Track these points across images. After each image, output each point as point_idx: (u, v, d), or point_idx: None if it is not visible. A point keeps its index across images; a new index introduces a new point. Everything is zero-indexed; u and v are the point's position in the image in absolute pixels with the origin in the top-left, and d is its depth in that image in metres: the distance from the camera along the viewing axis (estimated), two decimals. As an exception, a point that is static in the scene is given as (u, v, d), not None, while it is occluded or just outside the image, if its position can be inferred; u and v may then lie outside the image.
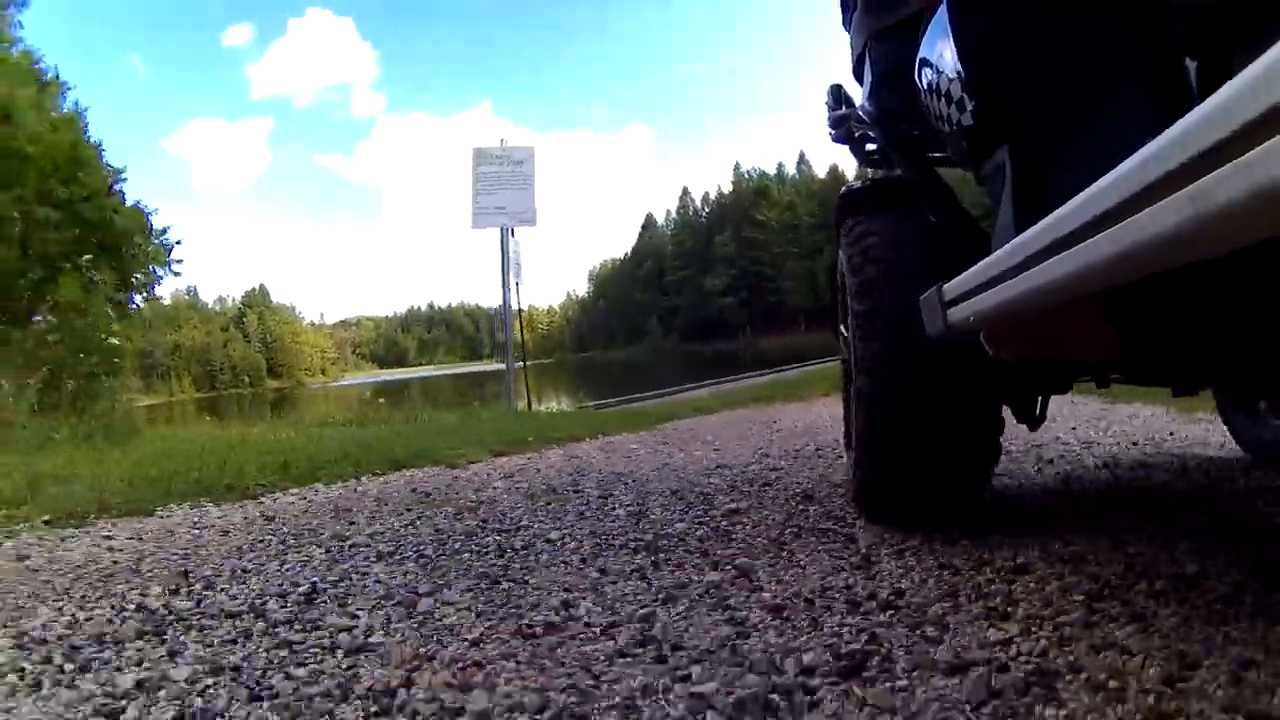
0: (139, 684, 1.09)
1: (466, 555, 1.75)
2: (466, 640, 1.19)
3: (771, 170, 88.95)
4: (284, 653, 1.20)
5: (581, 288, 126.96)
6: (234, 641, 1.26)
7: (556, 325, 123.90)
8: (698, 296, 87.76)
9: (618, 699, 0.94)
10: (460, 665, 1.10)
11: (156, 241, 6.39)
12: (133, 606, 1.48)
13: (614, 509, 2.15)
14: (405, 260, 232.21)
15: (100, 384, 5.03)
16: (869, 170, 2.16)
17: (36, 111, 5.33)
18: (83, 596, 1.57)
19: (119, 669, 1.16)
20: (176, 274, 6.59)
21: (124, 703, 1.03)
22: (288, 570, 1.70)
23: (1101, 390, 2.16)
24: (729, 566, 1.50)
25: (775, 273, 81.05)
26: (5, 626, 1.37)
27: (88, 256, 5.60)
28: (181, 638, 1.29)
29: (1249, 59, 0.42)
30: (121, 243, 5.94)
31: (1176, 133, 0.50)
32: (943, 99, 1.35)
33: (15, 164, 4.97)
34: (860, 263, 1.68)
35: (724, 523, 1.89)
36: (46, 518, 2.38)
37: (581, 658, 1.09)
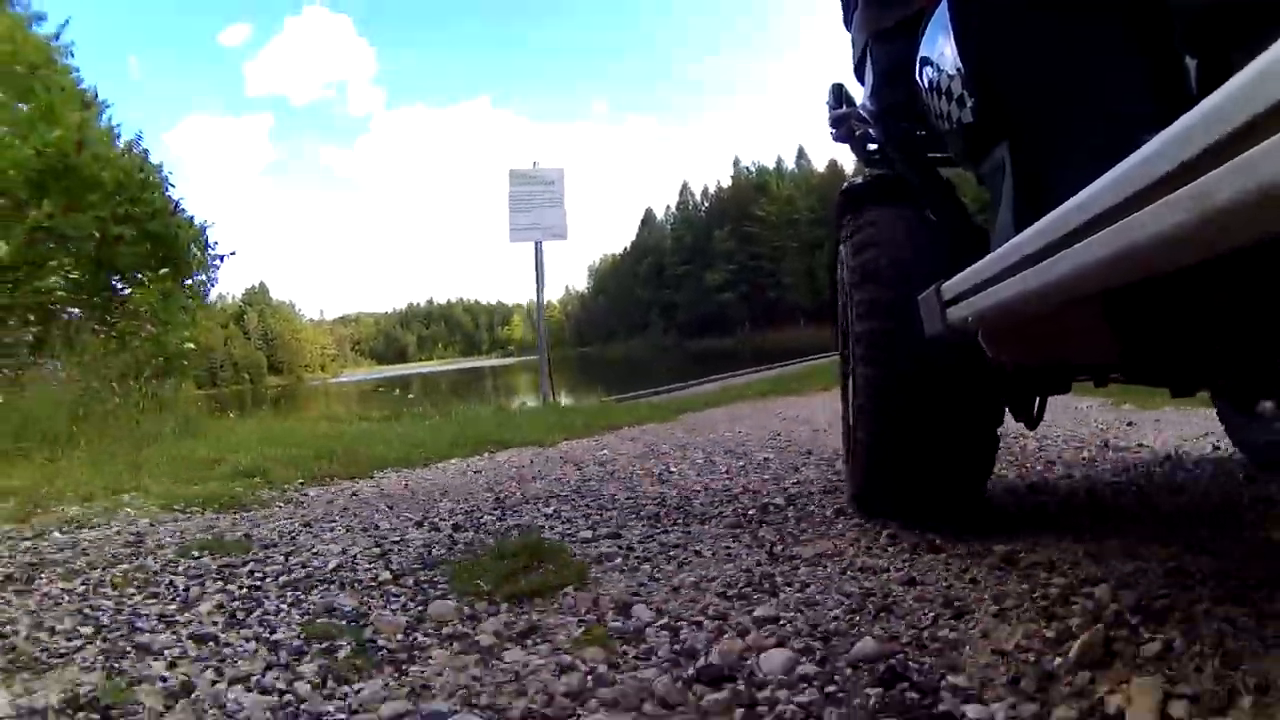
0: (567, 522, 2.05)
1: (639, 474, 2.84)
2: (696, 483, 2.61)
3: (771, 165, 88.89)
4: (622, 488, 2.55)
5: (578, 283, 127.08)
6: (581, 500, 2.37)
7: (556, 321, 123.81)
8: (697, 292, 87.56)
9: (748, 493, 2.35)
10: (704, 485, 2.55)
11: (206, 252, 7.09)
12: (492, 498, 2.45)
13: (695, 459, 3.21)
14: (404, 256, 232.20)
15: (179, 383, 5.60)
16: (870, 169, 2.17)
17: (91, 133, 5.98)
18: (448, 501, 2.42)
19: (562, 504, 2.29)
20: (214, 281, 7.61)
21: (601, 500, 2.32)
22: (550, 484, 2.72)
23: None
24: (770, 476, 2.67)
25: (774, 268, 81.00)
26: (428, 512, 2.23)
27: (165, 270, 6.22)
28: (567, 500, 2.35)
29: (1249, 58, 0.42)
30: (182, 255, 6.60)
31: (1177, 130, 0.50)
32: (943, 97, 1.35)
33: (90, 187, 5.51)
34: (859, 256, 1.67)
35: (761, 463, 2.99)
36: (300, 480, 2.91)
37: (734, 487, 2.47)
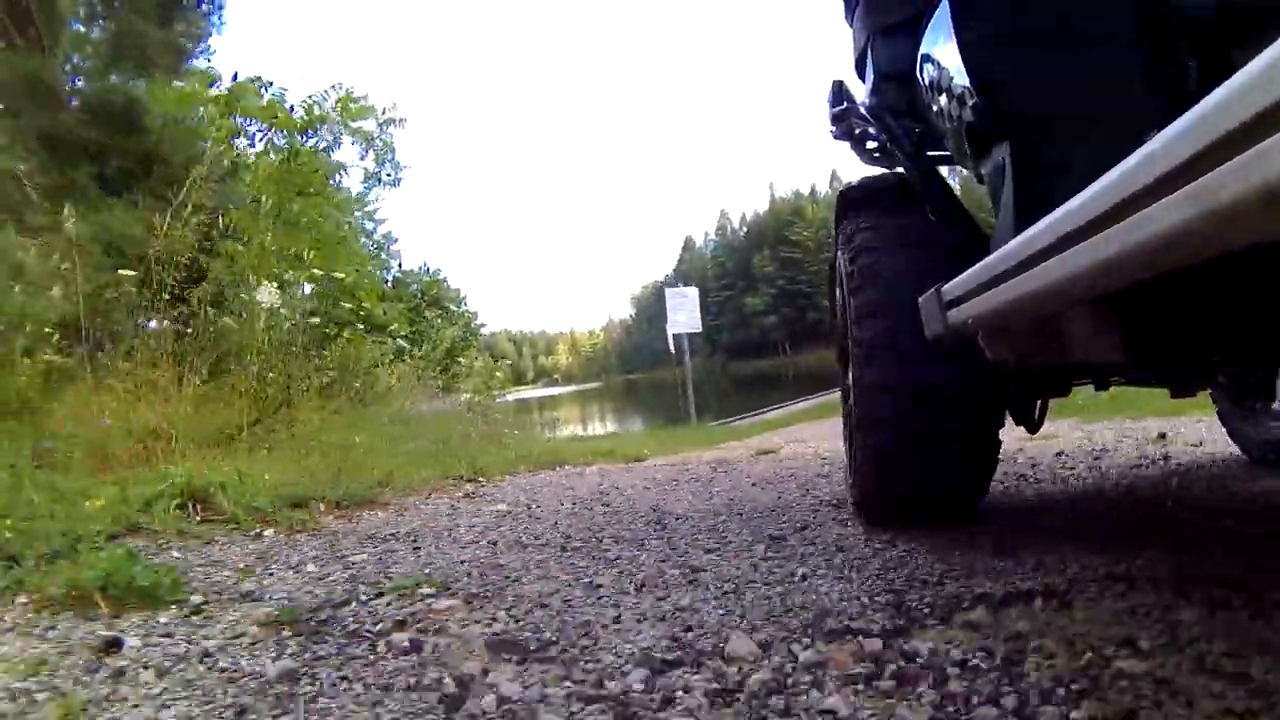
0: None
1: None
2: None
3: (805, 190, 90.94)
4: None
5: (618, 311, 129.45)
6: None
7: (600, 348, 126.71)
8: (740, 316, 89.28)
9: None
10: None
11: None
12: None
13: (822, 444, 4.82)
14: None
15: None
16: (870, 167, 2.13)
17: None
18: (717, 471, 3.49)
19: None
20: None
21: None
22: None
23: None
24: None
25: (814, 290, 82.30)
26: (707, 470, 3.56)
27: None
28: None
29: (1250, 58, 0.41)
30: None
31: (1178, 129, 0.49)
32: (944, 95, 1.32)
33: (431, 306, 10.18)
34: (859, 259, 1.64)
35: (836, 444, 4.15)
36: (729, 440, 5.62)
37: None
